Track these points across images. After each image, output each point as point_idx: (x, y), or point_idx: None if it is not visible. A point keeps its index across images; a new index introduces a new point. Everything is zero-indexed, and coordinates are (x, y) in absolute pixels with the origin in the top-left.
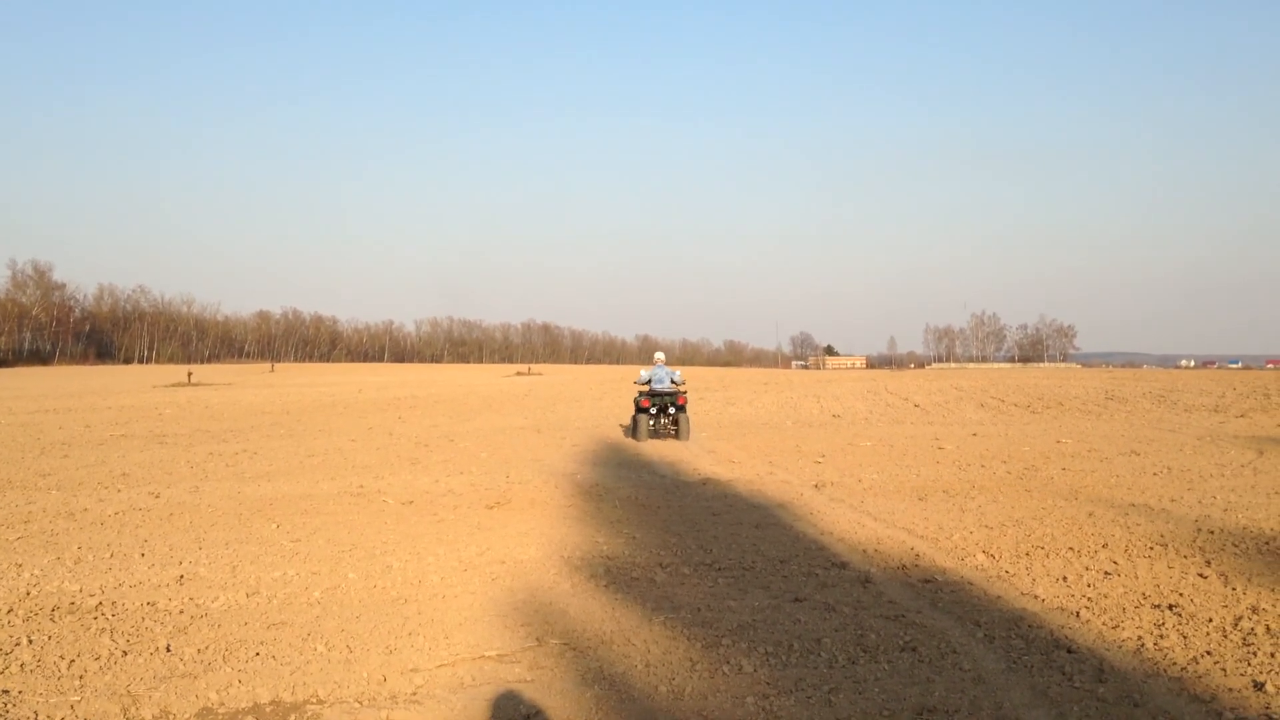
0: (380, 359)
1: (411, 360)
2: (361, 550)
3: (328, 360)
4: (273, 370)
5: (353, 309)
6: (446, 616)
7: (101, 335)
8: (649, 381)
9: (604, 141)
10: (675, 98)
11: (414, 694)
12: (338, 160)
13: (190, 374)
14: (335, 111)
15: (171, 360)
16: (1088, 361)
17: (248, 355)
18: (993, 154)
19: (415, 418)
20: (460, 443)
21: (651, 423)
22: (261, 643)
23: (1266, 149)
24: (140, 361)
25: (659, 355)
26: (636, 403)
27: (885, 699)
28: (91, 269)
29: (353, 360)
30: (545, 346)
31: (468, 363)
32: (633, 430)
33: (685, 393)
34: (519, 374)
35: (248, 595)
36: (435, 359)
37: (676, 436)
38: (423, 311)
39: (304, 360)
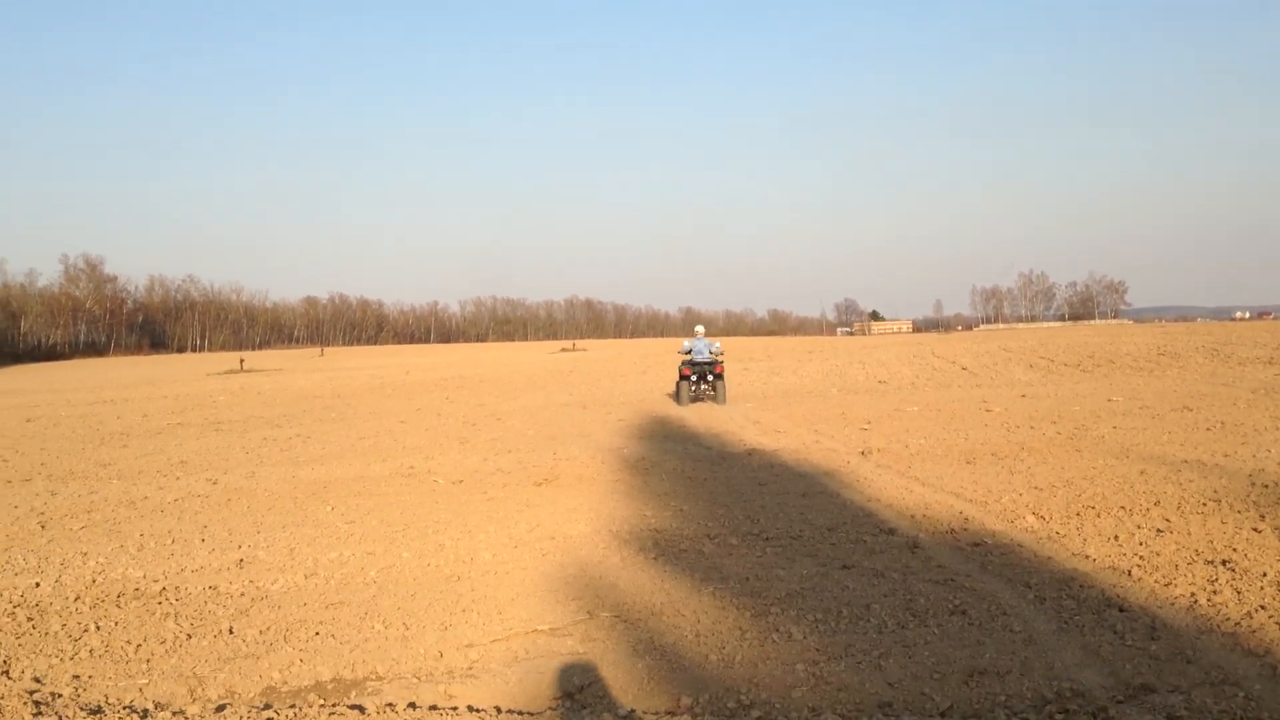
0: (426, 340)
1: (457, 340)
2: (414, 530)
3: (375, 343)
4: (322, 354)
5: (398, 292)
6: (499, 592)
7: (154, 325)
8: (689, 352)
9: (641, 114)
10: (715, 67)
11: (470, 668)
12: (378, 144)
13: (242, 361)
14: (372, 95)
15: (223, 348)
16: (1139, 317)
17: (297, 340)
18: (1037, 110)
19: (462, 397)
20: (507, 421)
21: (692, 389)
22: (321, 622)
23: None
24: (193, 350)
25: (699, 328)
26: (680, 371)
27: (935, 662)
28: (142, 261)
29: (399, 342)
30: (589, 322)
31: (512, 341)
32: (676, 396)
33: (722, 362)
34: (564, 350)
35: (306, 577)
36: (480, 338)
37: (715, 400)
38: (467, 292)
39: (352, 344)
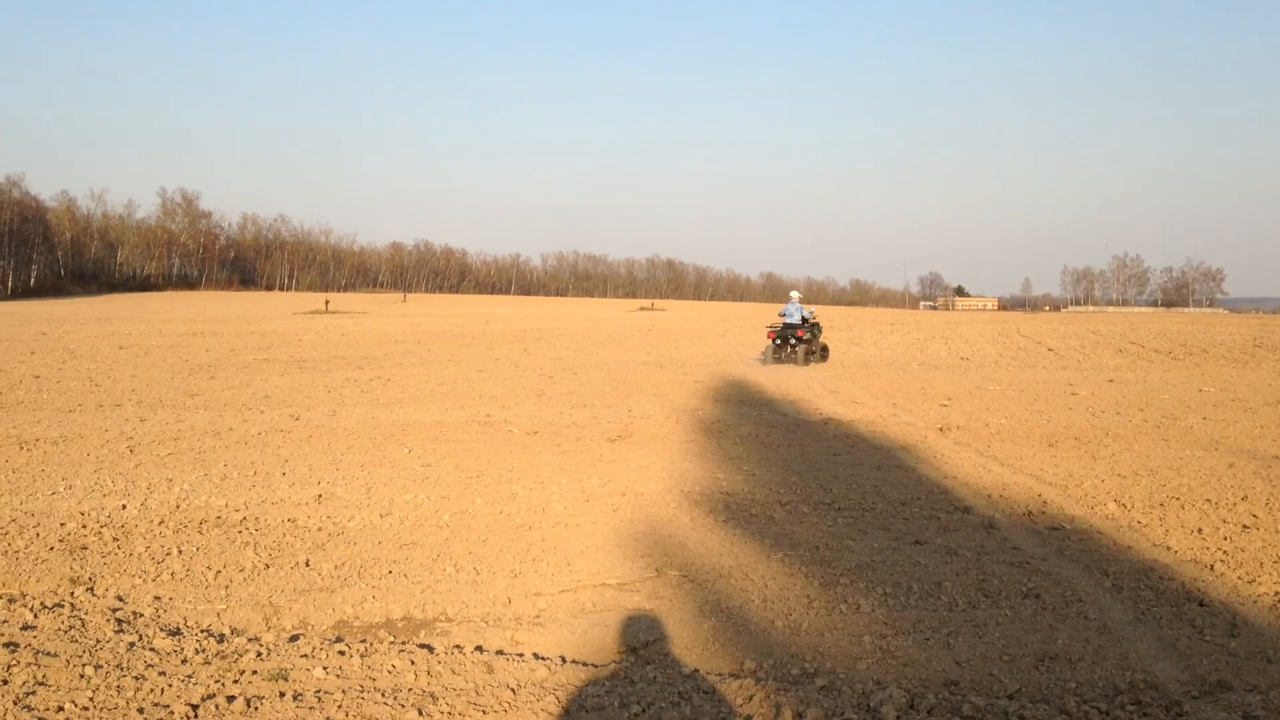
0: (507, 291)
1: (537, 294)
2: (488, 477)
3: (457, 292)
4: (404, 300)
5: (481, 242)
6: (569, 544)
7: (245, 262)
8: (783, 315)
9: (727, 76)
10: (798, 32)
11: (537, 617)
12: (467, 95)
13: (327, 302)
14: (465, 44)
15: (310, 288)
16: (1236, 307)
17: (381, 285)
18: (1138, 87)
19: (540, 350)
20: (584, 376)
21: (775, 352)
22: (394, 561)
23: None
24: (281, 289)
25: (794, 293)
26: (767, 333)
27: (1005, 644)
28: (236, 198)
29: (481, 292)
30: (669, 283)
31: (592, 297)
32: (762, 356)
33: (806, 326)
34: (642, 309)
35: (381, 516)
36: (560, 293)
37: (794, 361)
38: (549, 246)
39: (434, 291)
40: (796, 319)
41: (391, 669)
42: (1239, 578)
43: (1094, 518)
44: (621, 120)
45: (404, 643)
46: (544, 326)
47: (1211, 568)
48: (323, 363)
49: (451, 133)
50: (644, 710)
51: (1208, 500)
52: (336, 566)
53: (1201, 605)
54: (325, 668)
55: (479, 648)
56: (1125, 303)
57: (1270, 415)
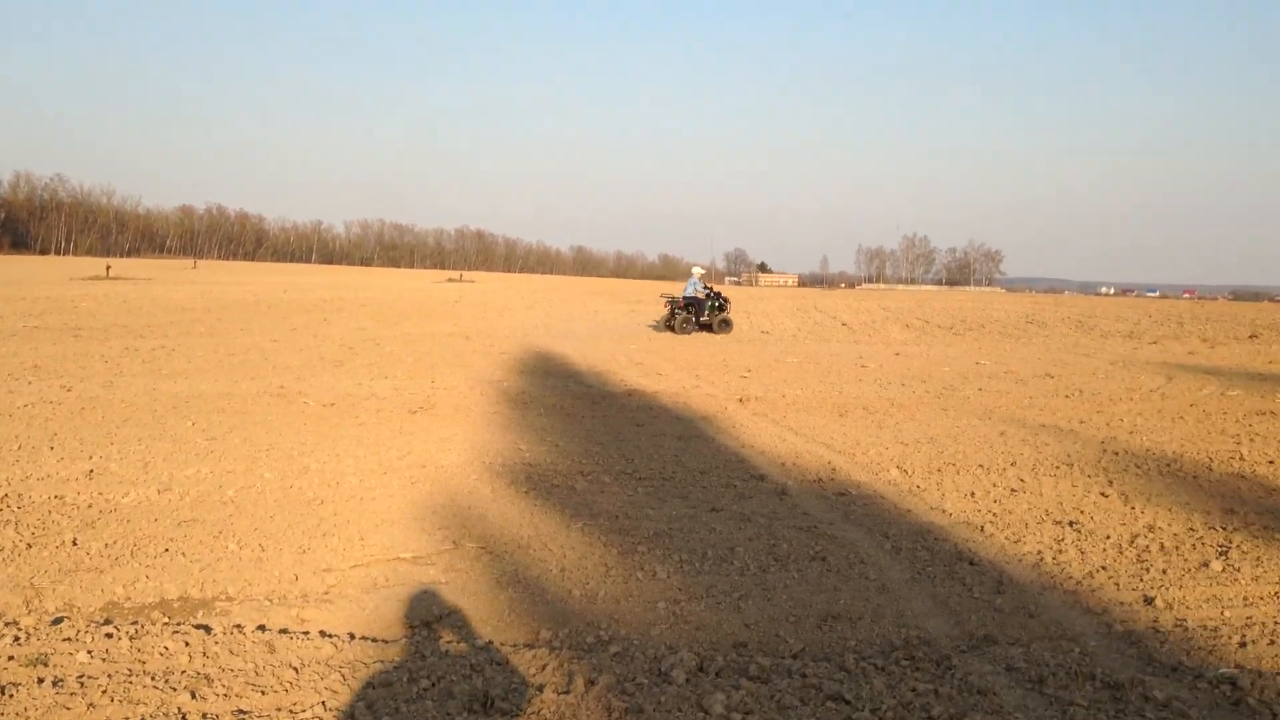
0: (308, 260)
1: (340, 262)
2: (279, 450)
3: (253, 259)
4: (195, 267)
5: (280, 208)
6: (363, 518)
7: (16, 224)
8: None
9: (543, 50)
10: (612, 4)
11: (326, 593)
12: (268, 52)
13: (109, 268)
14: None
15: (90, 253)
16: (1012, 286)
17: (169, 251)
18: (928, 76)
19: (341, 320)
20: (386, 347)
21: (668, 320)
22: (171, 539)
23: (1195, 80)
24: (57, 253)
25: (696, 269)
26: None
27: (792, 605)
28: (6, 156)
29: (279, 260)
30: (478, 254)
31: (398, 267)
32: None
33: (700, 301)
34: (450, 280)
35: (159, 492)
36: (365, 262)
37: (684, 331)
38: (353, 213)
39: (228, 258)
40: (690, 293)
41: (164, 651)
42: (1006, 538)
43: (878, 483)
44: (433, 88)
45: (179, 624)
46: (346, 296)
47: (982, 529)
48: (100, 331)
49: (248, 92)
50: (434, 684)
51: (980, 466)
52: (107, 545)
53: (972, 564)
54: (90, 651)
55: (261, 627)
56: (913, 281)
57: (1039, 386)
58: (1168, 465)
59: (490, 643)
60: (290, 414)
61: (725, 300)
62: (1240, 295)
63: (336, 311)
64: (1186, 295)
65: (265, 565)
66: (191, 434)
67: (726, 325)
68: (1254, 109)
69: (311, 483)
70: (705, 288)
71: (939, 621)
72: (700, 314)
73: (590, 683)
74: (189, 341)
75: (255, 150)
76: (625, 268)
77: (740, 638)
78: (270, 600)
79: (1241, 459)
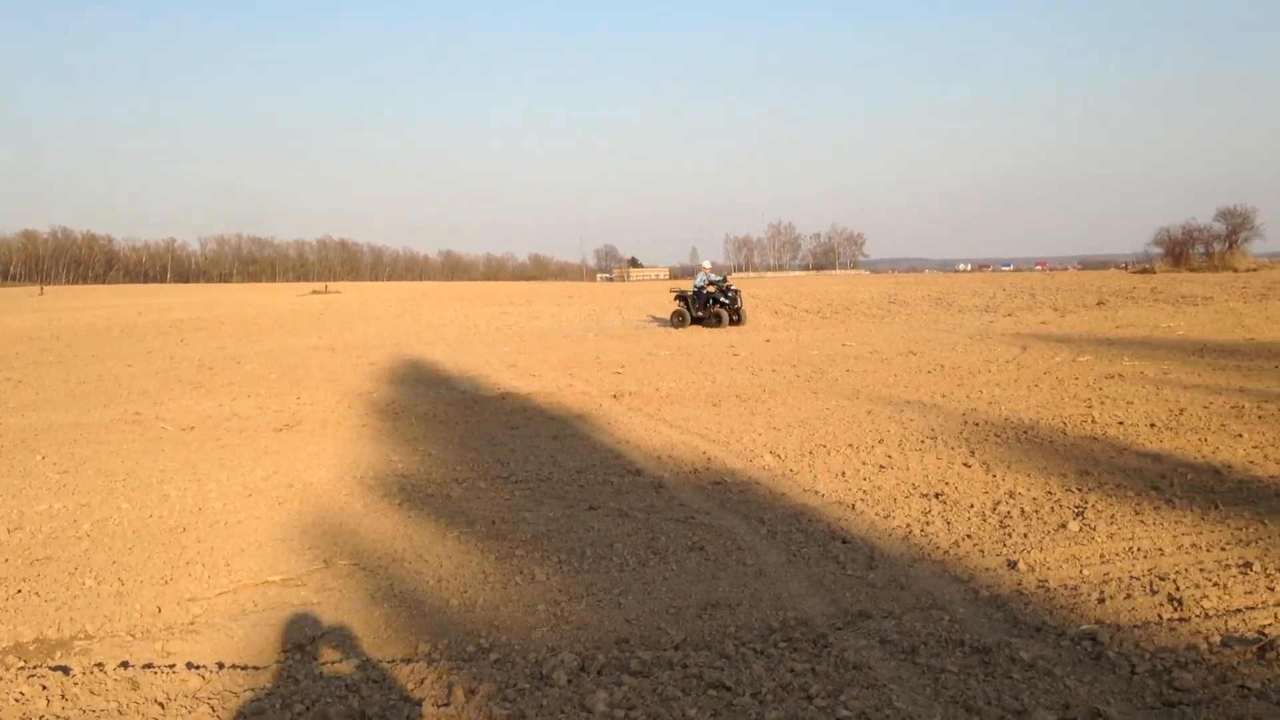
0: (163, 279)
1: (197, 280)
2: (136, 479)
3: (103, 282)
4: (42, 293)
5: (130, 226)
6: (228, 544)
7: None
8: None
9: (398, 54)
10: (473, 5)
11: (191, 624)
12: (109, 65)
13: None
14: (118, 15)
15: None
16: (875, 268)
17: (14, 278)
18: (786, 69)
19: (199, 340)
20: (248, 365)
21: (677, 315)
22: (24, 579)
23: (1034, 63)
24: None
25: (706, 263)
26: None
27: (672, 597)
28: None
29: (132, 281)
30: (343, 264)
31: (259, 282)
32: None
33: (707, 294)
34: (314, 292)
35: (9, 531)
36: (224, 279)
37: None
38: (209, 229)
39: (77, 282)
40: (699, 285)
41: (19, 697)
42: (876, 514)
43: (752, 470)
44: (289, 97)
45: (35, 666)
46: (204, 315)
47: (853, 507)
48: None
49: (93, 107)
50: (308, 708)
51: (850, 445)
52: None
53: (845, 542)
54: None
55: (124, 664)
56: (781, 268)
57: (903, 364)
58: (1025, 432)
59: (367, 660)
60: (147, 440)
61: (735, 292)
62: (1088, 264)
63: (194, 331)
64: (1039, 267)
65: (126, 599)
66: (42, 468)
67: (738, 317)
68: (1088, 89)
69: (172, 510)
70: (712, 282)
71: (815, 601)
72: (701, 307)
73: (470, 693)
74: (37, 372)
75: (99, 169)
76: (496, 270)
77: (622, 634)
78: (133, 635)
79: (1093, 422)
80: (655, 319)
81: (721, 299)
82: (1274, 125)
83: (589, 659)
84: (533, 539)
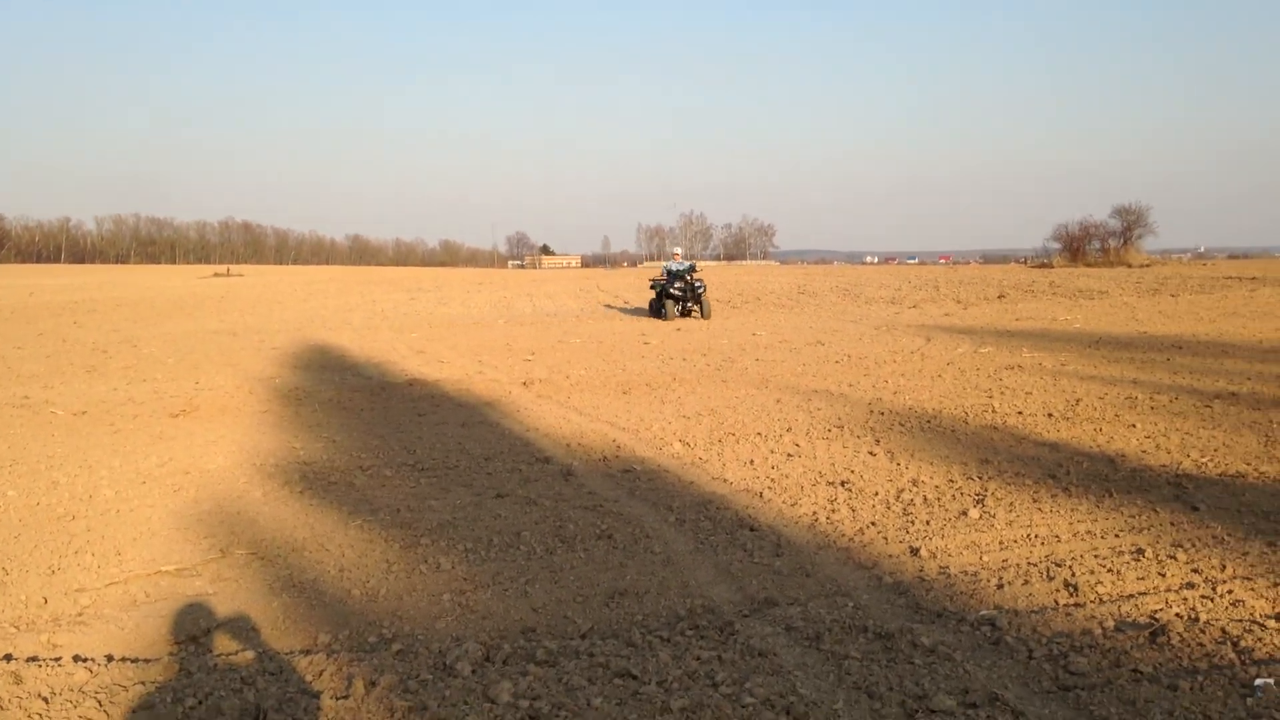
0: (57, 260)
1: (93, 261)
2: (23, 465)
3: None
4: None
5: (21, 204)
6: (119, 532)
7: None
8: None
9: (306, 34)
10: None
11: (79, 615)
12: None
13: None
14: None
15: None
16: (785, 259)
17: None
18: (696, 59)
19: (93, 322)
20: (144, 348)
21: (656, 303)
22: None
23: (945, 61)
24: None
25: (676, 250)
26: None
27: (579, 586)
28: None
29: (24, 261)
30: (246, 246)
31: (158, 264)
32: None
33: (680, 282)
34: (216, 275)
35: None
36: (121, 260)
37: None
38: (105, 208)
39: None
40: (673, 270)
41: None
42: (783, 502)
43: (662, 458)
44: (191, 71)
45: None
46: (99, 296)
47: (761, 495)
48: None
49: None
50: (201, 702)
51: (758, 434)
52: None
53: (752, 530)
54: None
55: (7, 656)
56: (693, 257)
57: (811, 354)
58: (928, 422)
59: (263, 652)
60: (36, 425)
61: (702, 285)
62: (990, 258)
63: (89, 313)
64: (942, 261)
65: (9, 590)
66: None
67: (701, 307)
68: (990, 88)
69: (61, 498)
70: (678, 272)
71: (722, 589)
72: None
73: (371, 684)
74: None
75: None
76: (405, 255)
77: (528, 623)
78: (16, 627)
79: (994, 411)
80: (629, 308)
81: (678, 289)
82: (1167, 126)
83: (494, 649)
84: (439, 527)
